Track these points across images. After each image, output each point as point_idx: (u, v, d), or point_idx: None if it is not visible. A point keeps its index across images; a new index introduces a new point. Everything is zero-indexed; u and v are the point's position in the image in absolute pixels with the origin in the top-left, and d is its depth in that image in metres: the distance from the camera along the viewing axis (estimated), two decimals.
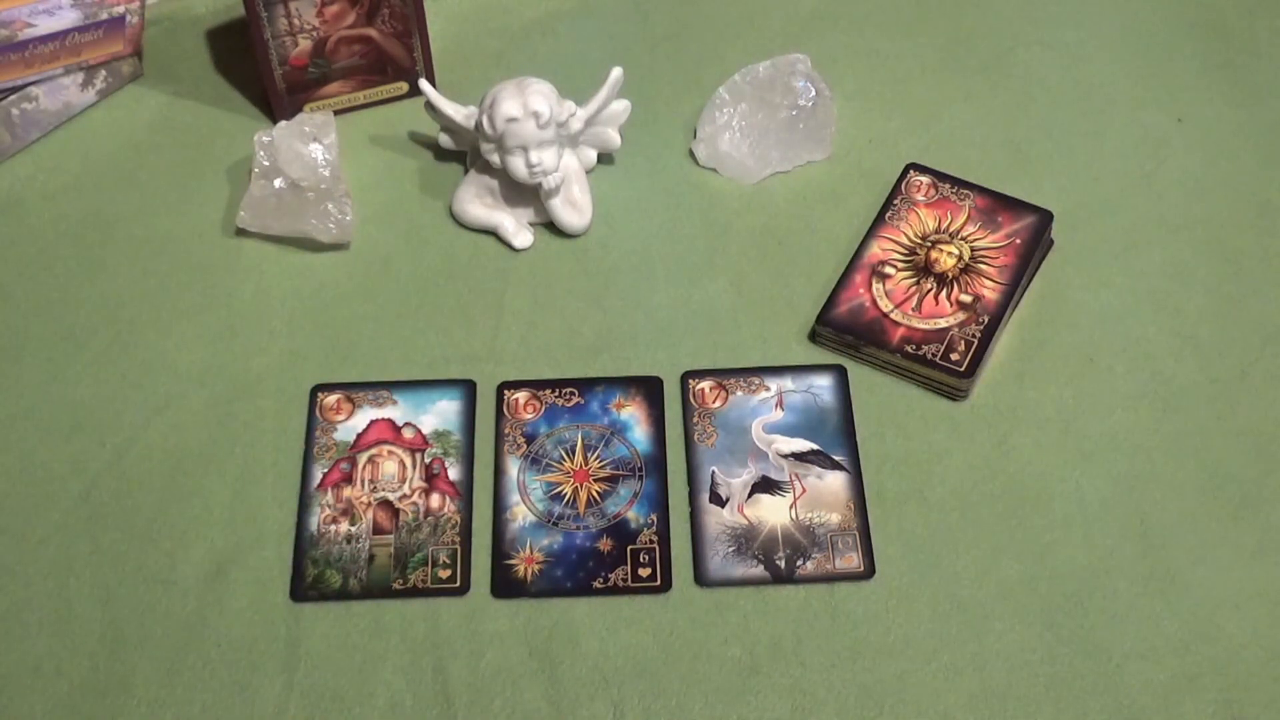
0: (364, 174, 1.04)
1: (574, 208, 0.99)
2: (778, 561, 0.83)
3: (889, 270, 0.95)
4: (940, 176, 1.00)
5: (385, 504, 0.86)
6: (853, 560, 0.83)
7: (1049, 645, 0.79)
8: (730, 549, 0.83)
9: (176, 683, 0.79)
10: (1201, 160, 1.04)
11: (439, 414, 0.90)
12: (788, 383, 0.91)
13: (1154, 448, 0.88)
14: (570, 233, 0.99)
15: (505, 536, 0.85)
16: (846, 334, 0.92)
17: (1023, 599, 0.81)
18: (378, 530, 0.85)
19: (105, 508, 0.86)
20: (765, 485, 0.86)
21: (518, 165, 0.95)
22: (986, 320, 0.91)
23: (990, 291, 0.93)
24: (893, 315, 0.92)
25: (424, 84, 0.99)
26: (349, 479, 0.87)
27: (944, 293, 0.93)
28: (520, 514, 0.85)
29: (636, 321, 0.95)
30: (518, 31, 1.14)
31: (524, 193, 0.99)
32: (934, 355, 0.90)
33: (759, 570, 0.83)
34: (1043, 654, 0.79)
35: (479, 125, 0.96)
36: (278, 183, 0.98)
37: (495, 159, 0.97)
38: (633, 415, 0.90)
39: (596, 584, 0.82)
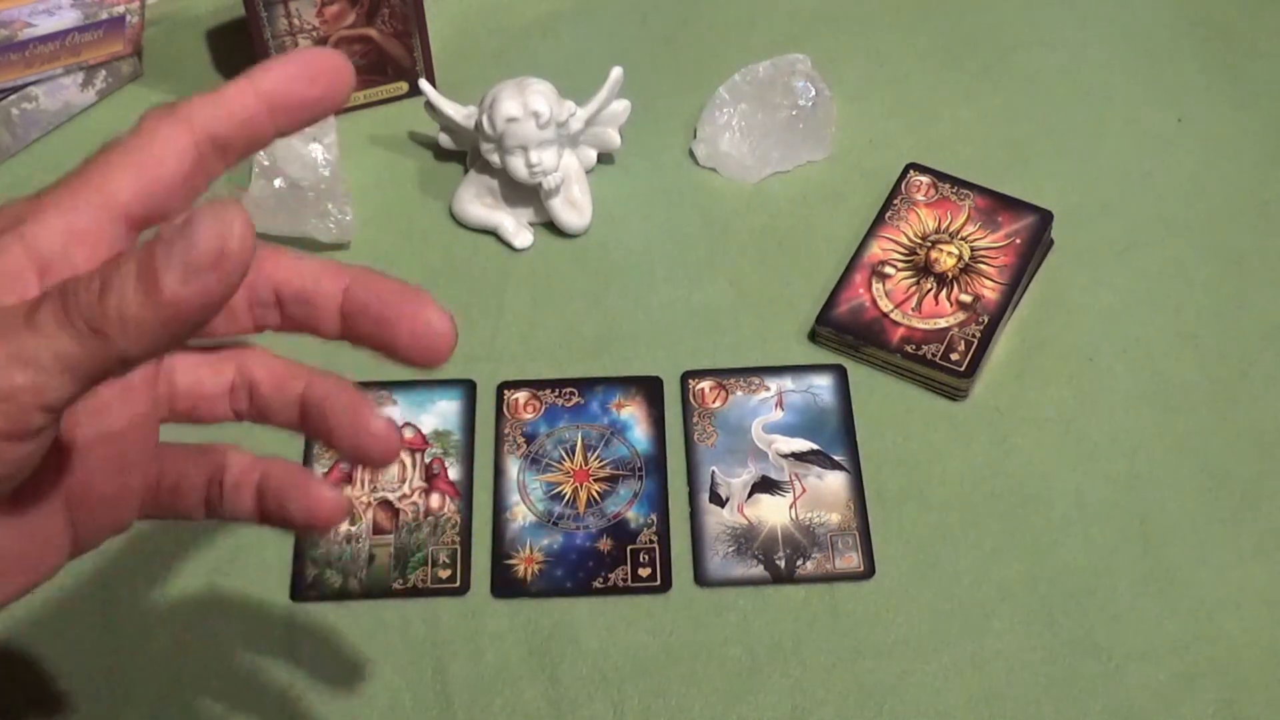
0: (364, 174, 1.04)
1: (574, 208, 0.99)
2: (778, 561, 0.83)
3: (889, 270, 0.95)
4: (940, 176, 1.00)
5: (385, 504, 0.86)
6: (853, 560, 0.83)
7: (1049, 645, 0.79)
8: (730, 549, 0.83)
9: (176, 683, 0.79)
10: (1201, 160, 1.04)
11: (439, 414, 0.90)
12: (788, 383, 0.91)
13: (1154, 448, 0.88)
14: (570, 233, 0.99)
15: (505, 536, 0.84)
16: (846, 334, 0.92)
17: (1023, 599, 0.81)
18: (378, 530, 0.85)
19: None
20: (765, 485, 0.86)
21: (518, 165, 0.95)
22: (986, 320, 0.91)
23: (990, 291, 0.93)
24: (893, 315, 0.92)
25: (424, 84, 0.99)
26: (349, 479, 0.87)
27: (944, 293, 0.93)
28: (520, 514, 0.85)
29: (636, 321, 0.95)
30: (518, 31, 1.14)
31: (524, 193, 0.99)
32: (934, 355, 0.90)
33: (759, 570, 0.83)
34: (1043, 654, 0.79)
35: (479, 125, 0.96)
36: (278, 183, 0.97)
37: (495, 159, 0.97)
38: (633, 415, 0.90)
39: (596, 584, 0.82)
